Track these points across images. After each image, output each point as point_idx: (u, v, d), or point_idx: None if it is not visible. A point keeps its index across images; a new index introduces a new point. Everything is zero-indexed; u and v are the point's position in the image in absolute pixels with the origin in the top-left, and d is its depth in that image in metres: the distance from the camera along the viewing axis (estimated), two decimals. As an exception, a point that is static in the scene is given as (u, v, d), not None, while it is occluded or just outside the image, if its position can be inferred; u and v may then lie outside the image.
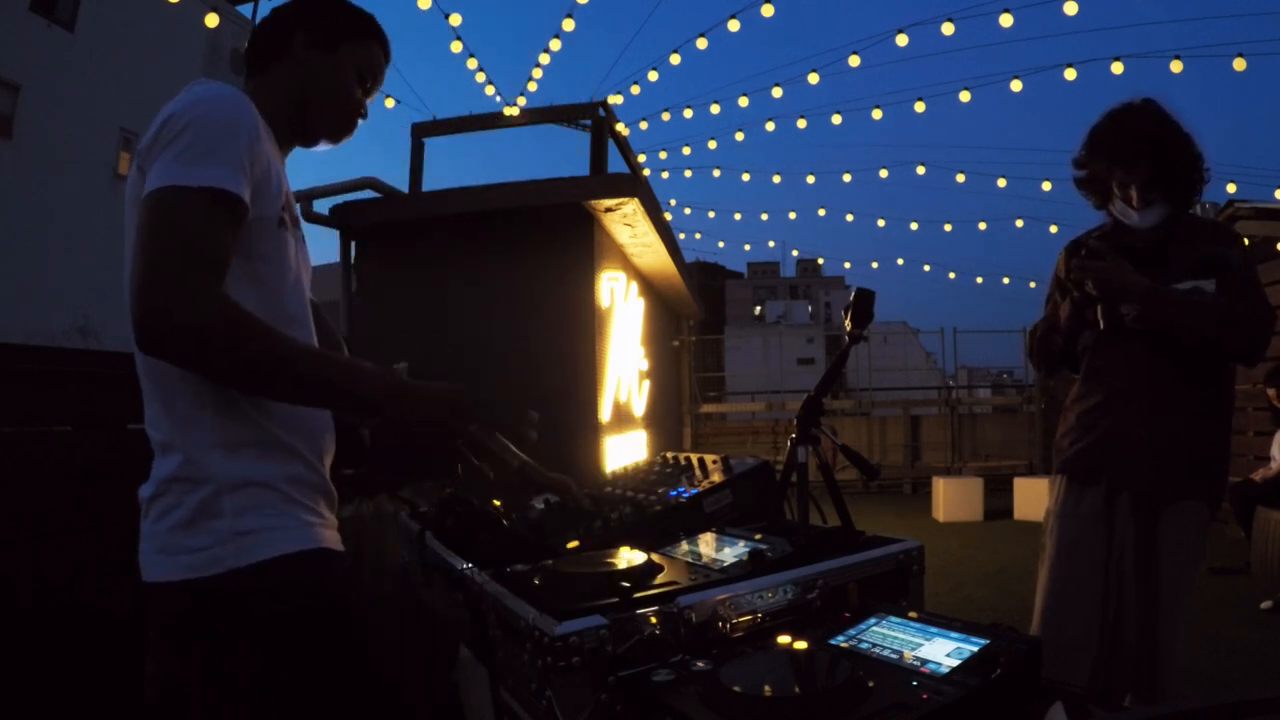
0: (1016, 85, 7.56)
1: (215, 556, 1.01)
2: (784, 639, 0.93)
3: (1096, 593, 1.87)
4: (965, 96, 7.87)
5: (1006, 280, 25.24)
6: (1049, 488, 2.06)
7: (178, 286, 0.93)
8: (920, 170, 10.37)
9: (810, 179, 11.01)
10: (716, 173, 11.32)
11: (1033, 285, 14.68)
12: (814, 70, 8.02)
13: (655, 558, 1.23)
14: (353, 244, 3.73)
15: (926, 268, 18.30)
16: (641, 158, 8.68)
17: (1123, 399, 1.90)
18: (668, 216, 6.50)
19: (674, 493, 1.54)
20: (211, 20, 7.25)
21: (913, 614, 1.03)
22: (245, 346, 0.97)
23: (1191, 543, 1.84)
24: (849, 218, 14.65)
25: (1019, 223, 12.72)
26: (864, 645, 0.96)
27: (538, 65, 7.36)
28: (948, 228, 13.28)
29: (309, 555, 1.08)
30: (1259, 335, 1.82)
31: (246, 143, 1.05)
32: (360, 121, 1.32)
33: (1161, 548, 1.81)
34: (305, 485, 1.12)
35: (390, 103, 7.12)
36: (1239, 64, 7.03)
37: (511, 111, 5.85)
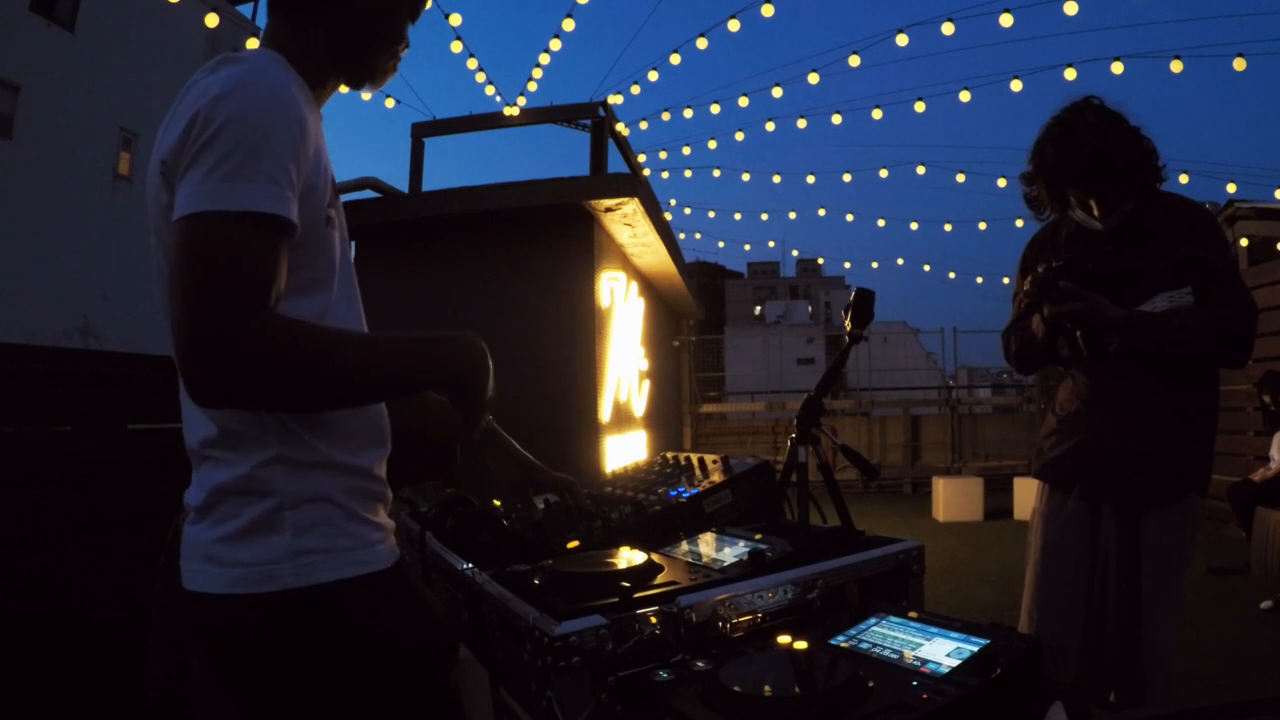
0: (1016, 85, 7.57)
1: (270, 574, 0.94)
2: (784, 639, 0.93)
3: (1080, 593, 1.87)
4: (965, 96, 7.90)
5: (1006, 280, 25.07)
6: (1036, 487, 2.04)
7: (225, 344, 0.82)
8: (920, 170, 10.39)
9: (810, 179, 11.05)
10: (716, 173, 11.36)
11: (1032, 285, 14.64)
12: (814, 70, 8.04)
13: (655, 558, 1.23)
14: (352, 244, 3.74)
15: (926, 268, 18.28)
16: (641, 158, 8.68)
17: (1100, 413, 1.87)
18: (668, 216, 6.51)
19: (674, 493, 1.54)
20: (211, 20, 7.25)
21: (913, 614, 1.03)
22: (316, 388, 0.90)
23: (1178, 541, 1.82)
24: (849, 218, 14.68)
25: (1019, 223, 12.68)
26: (864, 645, 0.96)
27: (538, 65, 7.37)
28: (948, 228, 13.28)
29: (366, 580, 1.00)
30: (1250, 337, 1.79)
31: (291, 142, 0.89)
32: (403, 53, 1.15)
33: (1145, 552, 1.81)
34: (366, 495, 1.04)
35: (390, 103, 7.13)
36: (1239, 64, 7.04)
37: (511, 111, 5.85)
